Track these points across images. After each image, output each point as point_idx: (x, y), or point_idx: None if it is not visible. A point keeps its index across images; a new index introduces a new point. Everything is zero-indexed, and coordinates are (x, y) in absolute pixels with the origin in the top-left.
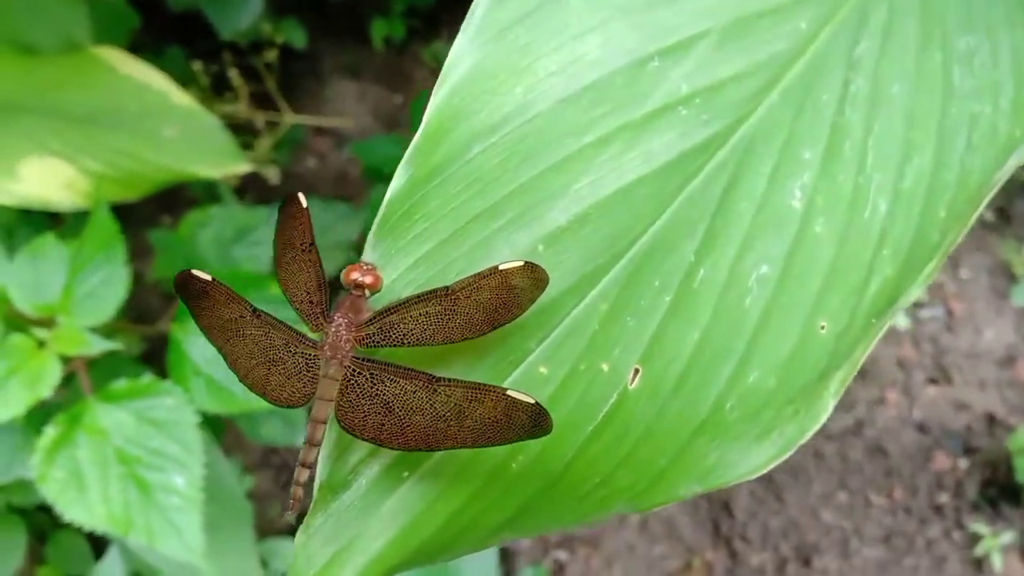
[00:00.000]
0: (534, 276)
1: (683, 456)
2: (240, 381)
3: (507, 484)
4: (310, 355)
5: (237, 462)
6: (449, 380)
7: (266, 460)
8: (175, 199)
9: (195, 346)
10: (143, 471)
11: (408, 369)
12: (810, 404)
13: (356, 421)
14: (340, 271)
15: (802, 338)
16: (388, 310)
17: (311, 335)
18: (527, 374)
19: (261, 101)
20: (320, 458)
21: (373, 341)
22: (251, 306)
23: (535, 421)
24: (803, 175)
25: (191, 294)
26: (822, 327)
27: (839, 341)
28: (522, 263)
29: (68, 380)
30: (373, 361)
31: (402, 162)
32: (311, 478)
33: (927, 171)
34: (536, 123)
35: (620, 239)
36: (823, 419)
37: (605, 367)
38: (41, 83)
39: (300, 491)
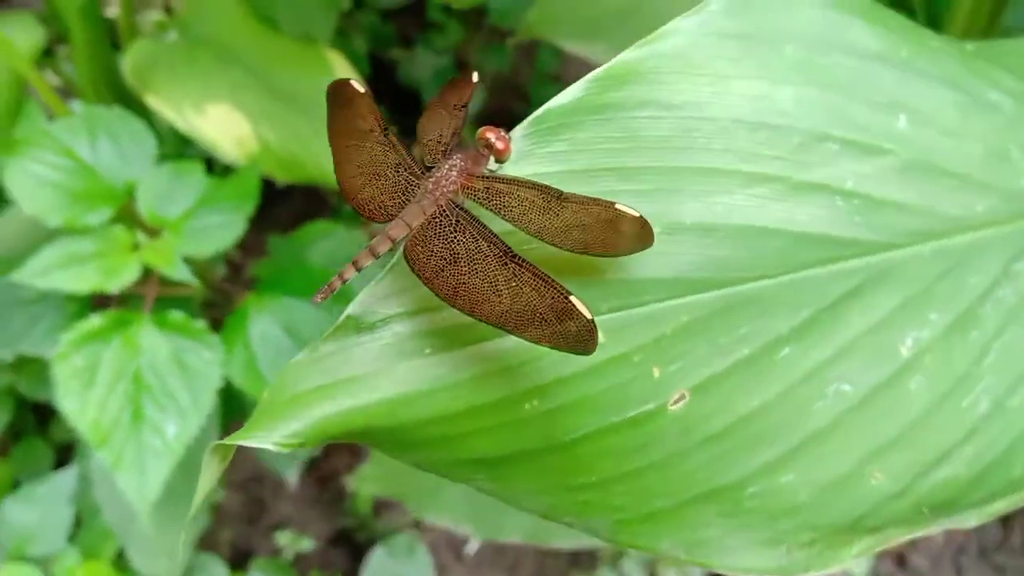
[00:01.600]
0: (642, 232)
1: (684, 509)
2: (338, 184)
3: (510, 420)
4: (413, 181)
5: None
6: (523, 261)
7: (246, 485)
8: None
9: (258, 323)
10: (146, 401)
11: (492, 234)
12: (828, 546)
13: (421, 256)
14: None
15: (851, 473)
16: (502, 178)
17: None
18: None
19: None
20: (362, 294)
21: (475, 196)
22: (385, 125)
23: (581, 335)
24: (922, 330)
25: (338, 100)
26: (875, 476)
27: (885, 503)
28: (638, 215)
29: (131, 296)
30: (465, 210)
31: (581, 81)
32: (348, 280)
33: None
34: (708, 125)
35: (730, 270)
36: (833, 569)
37: (656, 373)
38: (266, 50)
39: (338, 284)
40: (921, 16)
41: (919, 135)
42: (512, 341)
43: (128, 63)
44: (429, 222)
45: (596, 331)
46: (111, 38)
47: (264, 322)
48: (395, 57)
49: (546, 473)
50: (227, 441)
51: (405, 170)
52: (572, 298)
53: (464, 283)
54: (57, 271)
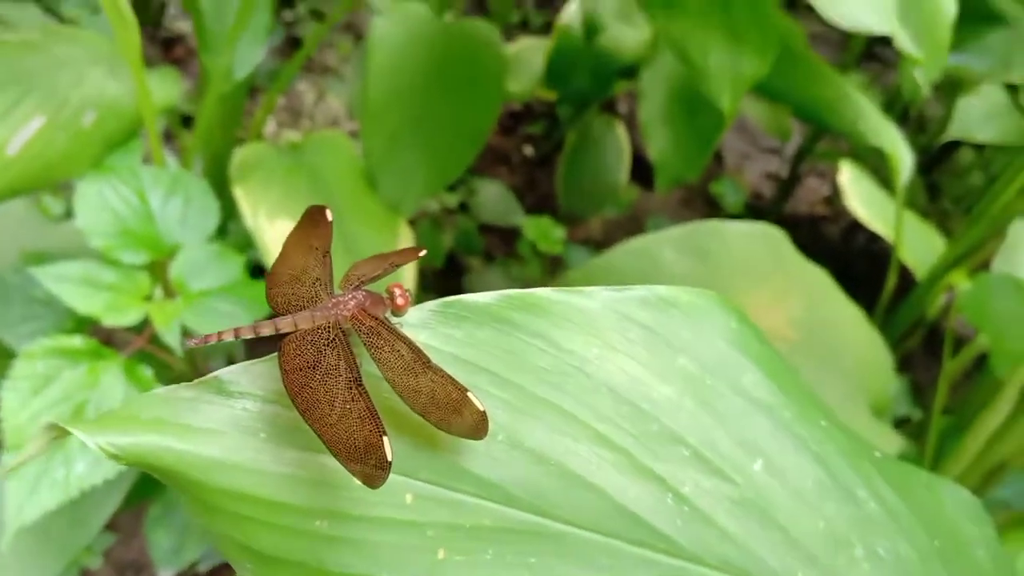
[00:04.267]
0: (479, 424)
1: None
2: (267, 276)
3: (297, 528)
4: (321, 296)
5: (109, 540)
6: (365, 395)
7: (123, 569)
8: None
9: None
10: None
11: (356, 363)
12: None
13: (291, 352)
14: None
15: None
16: (391, 327)
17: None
18: (395, 485)
19: None
20: (238, 365)
21: (360, 329)
22: (328, 250)
23: (371, 473)
24: None
25: (311, 218)
26: None
27: None
28: (481, 410)
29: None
30: (345, 335)
31: (499, 292)
32: (224, 340)
33: None
34: (582, 378)
35: (546, 502)
36: None
37: (441, 555)
38: (355, 198)
39: (214, 339)
40: None
41: (769, 485)
42: (332, 463)
43: (238, 156)
44: (313, 330)
45: (387, 473)
46: (236, 130)
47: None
48: (471, 265)
49: None
50: (63, 424)
51: (320, 287)
52: (384, 438)
53: (311, 387)
54: (71, 284)
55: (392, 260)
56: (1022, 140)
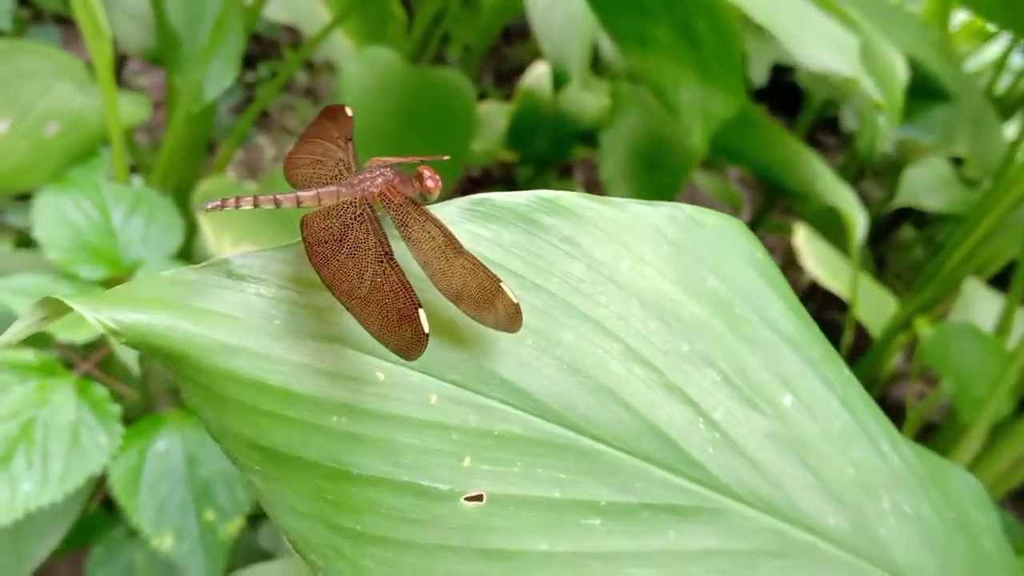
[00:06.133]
0: (512, 316)
1: None
2: (284, 163)
3: (311, 423)
4: (343, 172)
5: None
6: (395, 266)
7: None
8: None
9: (167, 438)
10: (20, 451)
11: (385, 237)
12: None
13: (315, 225)
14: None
15: None
16: (419, 206)
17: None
18: (424, 384)
19: None
20: (251, 250)
21: (389, 208)
22: (350, 137)
23: (410, 343)
24: None
25: (329, 114)
26: None
27: None
28: (516, 301)
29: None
30: (373, 210)
31: (530, 192)
32: (232, 207)
33: None
34: (613, 288)
35: (576, 415)
36: None
37: (467, 462)
38: None
39: (231, 205)
40: None
41: (799, 422)
42: (352, 355)
43: (202, 187)
44: (337, 206)
45: (424, 343)
46: (199, 162)
47: (171, 441)
48: None
49: (318, 497)
50: (62, 298)
51: (344, 166)
52: (420, 311)
53: (337, 259)
54: (26, 297)
55: (334, 134)
56: (966, 209)
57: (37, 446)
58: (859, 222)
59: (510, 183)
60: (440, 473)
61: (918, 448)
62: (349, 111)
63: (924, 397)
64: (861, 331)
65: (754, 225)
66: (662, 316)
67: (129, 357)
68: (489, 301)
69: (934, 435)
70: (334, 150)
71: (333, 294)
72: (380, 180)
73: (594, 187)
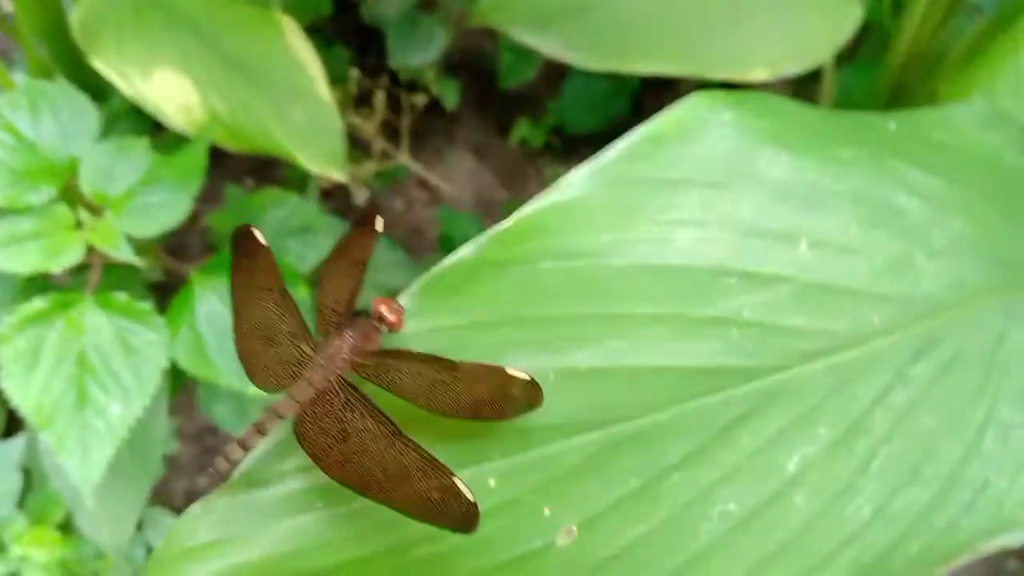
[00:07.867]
0: (531, 394)
1: None
2: (234, 343)
3: (402, 564)
4: (305, 354)
5: (173, 423)
6: (409, 440)
7: (200, 435)
8: (267, 170)
9: (205, 301)
10: (90, 383)
11: (380, 412)
12: None
13: (310, 433)
14: (370, 300)
15: None
16: (394, 353)
17: (314, 339)
18: (476, 478)
19: (388, 132)
20: (257, 452)
21: (366, 373)
22: (283, 286)
23: (465, 517)
24: (809, 447)
25: (242, 249)
26: None
27: None
28: (528, 379)
29: (78, 271)
30: (355, 389)
31: (479, 238)
32: (238, 461)
33: (921, 506)
34: (605, 271)
35: (620, 408)
36: None
37: (547, 511)
38: (220, 19)
39: (225, 466)
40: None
41: (819, 258)
42: None
43: (75, 20)
44: (318, 398)
45: (476, 514)
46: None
47: (211, 301)
48: None
49: None
50: None
51: (299, 340)
52: (457, 481)
53: (353, 461)
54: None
55: (354, 256)
56: None
57: (100, 371)
58: None
59: None
60: (529, 534)
61: (919, 117)
62: (261, 238)
63: None
64: None
65: None
66: (662, 262)
67: (123, 251)
68: (504, 393)
69: None
70: (276, 317)
71: (366, 497)
72: (347, 350)
73: None
